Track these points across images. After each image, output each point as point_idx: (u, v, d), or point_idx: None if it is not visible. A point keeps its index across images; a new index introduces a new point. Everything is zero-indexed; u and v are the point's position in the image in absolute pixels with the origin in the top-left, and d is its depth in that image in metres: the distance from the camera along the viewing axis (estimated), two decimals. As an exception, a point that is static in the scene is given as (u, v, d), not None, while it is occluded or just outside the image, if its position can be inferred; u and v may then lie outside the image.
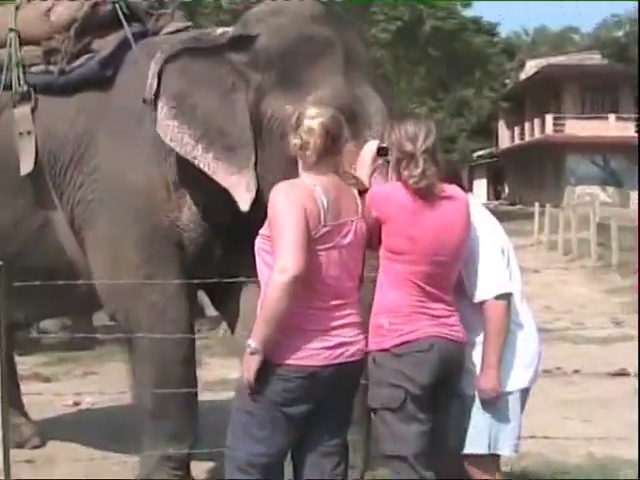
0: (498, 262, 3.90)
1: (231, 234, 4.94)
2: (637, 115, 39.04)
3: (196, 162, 4.74)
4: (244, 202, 4.69)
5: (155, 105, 4.79)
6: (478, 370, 3.83)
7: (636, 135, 35.79)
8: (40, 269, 5.38)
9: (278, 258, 3.45)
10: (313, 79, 4.64)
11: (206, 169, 4.73)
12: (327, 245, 3.52)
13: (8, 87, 5.38)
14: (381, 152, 3.93)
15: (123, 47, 5.24)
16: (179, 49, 4.87)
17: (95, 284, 5.17)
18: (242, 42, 4.82)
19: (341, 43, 4.76)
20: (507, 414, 3.88)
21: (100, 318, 7.57)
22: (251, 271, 4.13)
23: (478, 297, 3.82)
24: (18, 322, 5.70)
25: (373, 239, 3.79)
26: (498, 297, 3.79)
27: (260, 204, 4.56)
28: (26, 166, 5.29)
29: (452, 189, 3.85)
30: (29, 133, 5.32)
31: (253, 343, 3.48)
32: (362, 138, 4.27)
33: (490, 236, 3.95)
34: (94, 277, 5.18)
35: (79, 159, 5.19)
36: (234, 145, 4.74)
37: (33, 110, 5.34)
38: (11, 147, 5.31)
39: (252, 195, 4.69)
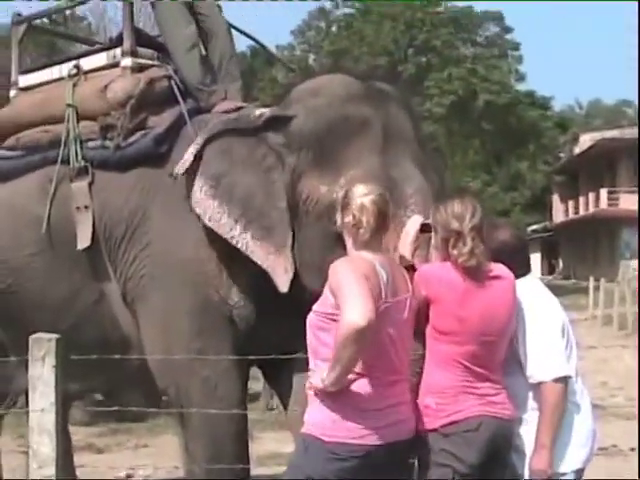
0: (558, 343, 3.87)
1: (278, 313, 4.95)
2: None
3: (234, 242, 4.77)
4: (283, 283, 4.72)
5: (191, 184, 4.86)
6: (527, 448, 3.81)
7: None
8: (94, 342, 5.41)
9: (346, 309, 3.39)
10: (348, 159, 4.64)
11: (244, 249, 4.76)
12: (387, 321, 3.52)
13: (66, 162, 5.48)
14: (425, 229, 3.95)
15: (178, 124, 5.30)
16: (220, 129, 4.93)
17: (148, 359, 5.20)
18: (278, 123, 4.85)
19: (379, 121, 4.72)
20: None
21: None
22: (301, 349, 4.20)
23: (536, 378, 3.78)
24: (73, 394, 5.74)
25: (420, 318, 3.80)
26: (556, 380, 3.77)
27: (298, 285, 4.69)
28: (83, 241, 5.34)
29: (499, 268, 3.85)
30: (86, 208, 5.37)
31: (327, 380, 3.46)
32: (397, 218, 4.25)
33: (550, 314, 3.92)
34: (146, 352, 5.21)
35: (132, 234, 5.24)
36: (271, 226, 4.77)
37: (90, 185, 5.40)
38: (69, 221, 5.39)
39: (290, 276, 4.71)
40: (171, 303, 5.09)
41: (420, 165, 4.72)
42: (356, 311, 3.37)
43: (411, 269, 3.82)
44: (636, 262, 42.70)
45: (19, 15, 6.71)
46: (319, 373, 3.53)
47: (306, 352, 3.78)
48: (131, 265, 5.24)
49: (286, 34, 41.35)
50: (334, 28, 41.51)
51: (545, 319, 3.89)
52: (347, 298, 3.43)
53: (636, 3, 36.94)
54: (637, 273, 19.79)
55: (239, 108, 5.44)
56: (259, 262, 4.73)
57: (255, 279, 4.88)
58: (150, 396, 6.02)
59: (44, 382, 4.28)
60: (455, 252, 3.72)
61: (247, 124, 4.92)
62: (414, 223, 3.99)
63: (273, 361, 4.84)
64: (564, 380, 3.78)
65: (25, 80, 6.20)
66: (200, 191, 4.84)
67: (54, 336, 4.34)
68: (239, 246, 4.76)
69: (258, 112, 4.95)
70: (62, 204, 5.42)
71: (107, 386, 6.43)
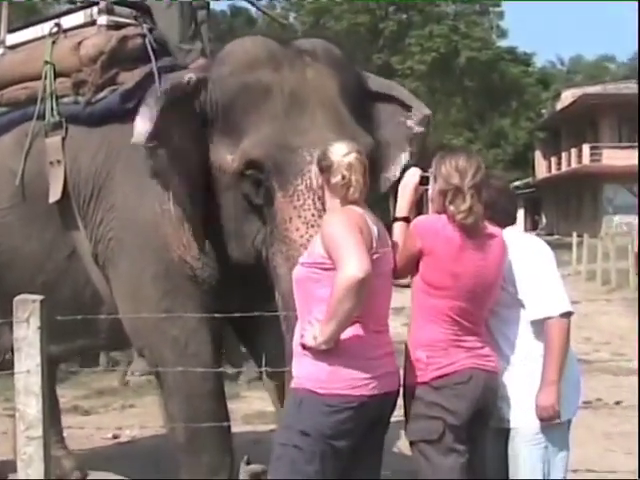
0: (559, 279, 3.95)
1: (235, 275, 4.95)
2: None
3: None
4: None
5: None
6: (514, 399, 3.84)
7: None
8: (68, 298, 5.48)
9: (344, 262, 3.39)
10: (249, 127, 4.56)
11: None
12: (375, 272, 3.51)
13: (42, 117, 5.51)
14: (424, 181, 3.93)
15: (146, 80, 5.29)
16: (166, 89, 4.81)
17: (122, 321, 5.22)
18: (198, 89, 4.78)
19: (286, 86, 4.56)
20: (559, 444, 3.89)
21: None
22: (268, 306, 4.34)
23: (542, 314, 3.82)
24: (56, 356, 5.75)
25: (407, 269, 3.80)
26: (563, 315, 3.81)
27: (221, 249, 4.78)
28: (54, 195, 5.39)
29: (490, 226, 3.86)
30: (59, 162, 5.42)
31: (320, 337, 3.48)
32: (291, 186, 4.25)
33: (545, 254, 3.99)
34: (120, 314, 5.24)
35: (98, 194, 5.29)
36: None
37: (63, 140, 5.44)
38: (42, 176, 5.41)
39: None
40: (136, 267, 5.15)
41: (340, 128, 4.48)
42: (354, 264, 3.37)
43: (406, 222, 3.82)
44: (618, 217, 43.06)
45: None
46: (311, 329, 3.52)
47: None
48: (99, 227, 5.30)
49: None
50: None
51: (541, 259, 3.95)
52: (343, 250, 3.44)
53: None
54: (637, 231, 19.79)
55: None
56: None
57: (211, 240, 4.88)
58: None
59: (29, 344, 4.26)
60: (452, 208, 3.72)
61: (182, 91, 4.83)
62: (412, 175, 3.98)
63: (243, 322, 4.88)
64: (569, 315, 3.82)
65: (11, 39, 6.27)
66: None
67: (38, 297, 4.33)
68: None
69: (187, 77, 4.83)
70: (36, 159, 5.45)
71: (85, 347, 6.44)
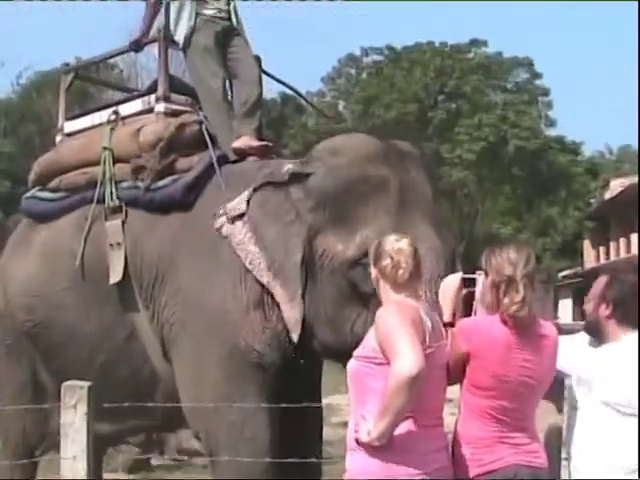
0: None
1: (297, 361, 5.03)
2: None
3: (269, 287, 4.90)
4: (294, 333, 4.90)
5: (233, 228, 4.96)
6: None
7: None
8: (126, 378, 5.57)
9: (398, 357, 3.41)
10: (364, 219, 4.74)
11: (275, 295, 4.88)
12: (429, 366, 3.50)
13: (101, 201, 5.65)
14: (467, 284, 3.93)
15: (207, 172, 5.45)
16: (262, 182, 5.11)
17: (182, 403, 5.27)
18: (300, 179, 4.96)
19: (396, 182, 4.85)
20: None
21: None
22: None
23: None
24: (106, 438, 5.79)
25: (455, 371, 3.79)
26: None
27: (311, 335, 4.93)
28: (115, 276, 5.50)
29: (545, 324, 3.84)
30: (119, 245, 5.55)
31: (373, 433, 3.47)
32: None
33: None
34: (180, 397, 5.28)
35: (162, 279, 5.41)
36: (287, 278, 4.88)
37: (123, 223, 5.57)
38: (102, 258, 5.53)
39: (299, 327, 4.88)
40: (200, 350, 5.24)
41: (436, 226, 4.84)
42: (408, 359, 3.38)
43: (449, 326, 3.81)
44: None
45: (67, 65, 7.00)
46: (365, 424, 3.52)
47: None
48: (163, 310, 5.38)
49: (316, 81, 41.48)
50: (364, 75, 41.69)
51: None
52: (397, 345, 3.45)
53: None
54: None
55: (254, 147, 5.59)
56: (282, 308, 4.85)
57: (280, 326, 4.95)
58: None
59: (76, 429, 4.32)
60: (506, 300, 3.70)
61: (279, 177, 5.04)
62: (454, 278, 3.99)
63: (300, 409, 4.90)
64: None
65: (70, 126, 6.48)
66: (243, 235, 4.94)
67: (86, 384, 4.40)
68: (272, 292, 4.88)
69: (286, 167, 5.06)
70: (97, 241, 5.57)
71: (137, 427, 6.47)
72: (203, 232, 5.25)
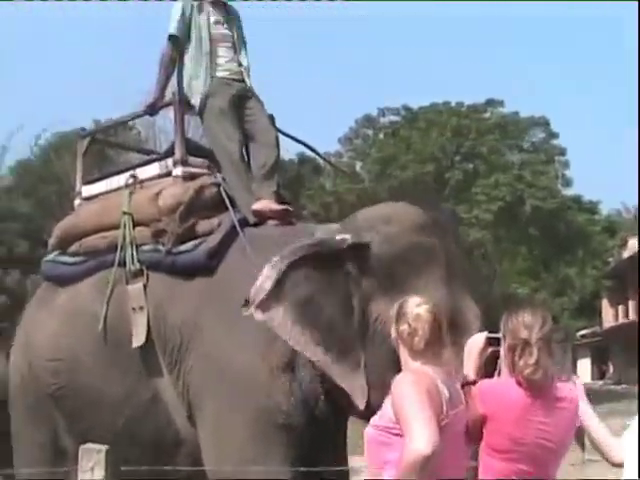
0: None
1: (323, 425, 5.03)
2: None
3: (315, 362, 4.89)
4: (360, 402, 4.89)
5: (263, 306, 4.94)
6: None
7: None
8: (149, 439, 5.56)
9: (411, 435, 3.44)
10: (417, 287, 4.77)
11: (325, 369, 4.88)
12: (447, 436, 3.51)
13: (122, 265, 5.69)
14: (492, 342, 3.95)
15: (229, 236, 5.48)
16: (302, 255, 5.02)
17: (205, 465, 5.28)
18: (357, 249, 4.98)
19: (444, 253, 4.95)
20: None
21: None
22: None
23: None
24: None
25: (474, 432, 3.79)
26: None
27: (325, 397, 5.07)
28: (138, 340, 5.53)
29: (565, 388, 3.84)
30: (141, 309, 5.57)
31: None
32: (460, 346, 4.35)
33: None
34: (204, 459, 5.29)
35: (187, 344, 5.40)
36: (348, 349, 4.88)
37: (145, 287, 5.60)
38: (124, 322, 5.55)
39: (366, 393, 4.87)
40: (225, 413, 5.24)
41: (470, 291, 5.06)
42: (421, 438, 3.39)
43: (472, 384, 3.82)
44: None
45: (83, 130, 7.09)
46: None
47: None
48: (189, 374, 5.40)
49: (334, 142, 41.57)
50: (381, 135, 41.80)
51: None
52: (412, 422, 3.46)
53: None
54: None
55: (275, 211, 5.63)
56: (338, 382, 4.86)
57: (309, 388, 4.96)
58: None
59: (93, 492, 4.31)
60: (521, 363, 3.72)
61: (329, 250, 5.02)
62: (478, 338, 4.00)
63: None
64: None
65: (87, 190, 6.55)
66: (282, 315, 4.90)
67: (104, 447, 4.42)
68: (320, 366, 4.88)
69: (339, 237, 5.08)
70: (118, 304, 5.60)
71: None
72: (228, 296, 5.28)
